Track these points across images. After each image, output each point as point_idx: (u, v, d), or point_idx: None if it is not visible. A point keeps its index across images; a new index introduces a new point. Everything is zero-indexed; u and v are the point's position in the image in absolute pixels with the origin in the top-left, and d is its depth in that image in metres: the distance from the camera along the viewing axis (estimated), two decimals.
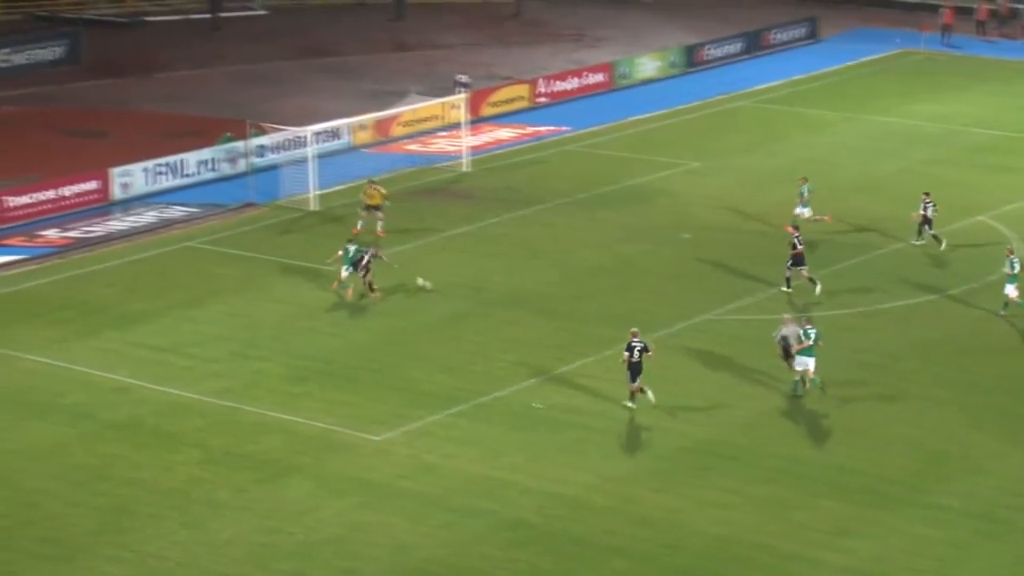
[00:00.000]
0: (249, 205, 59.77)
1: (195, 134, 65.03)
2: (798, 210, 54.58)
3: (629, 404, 41.74)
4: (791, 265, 49.42)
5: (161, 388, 43.55)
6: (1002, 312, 48.11)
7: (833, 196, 59.98)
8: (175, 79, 79.56)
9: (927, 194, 53.51)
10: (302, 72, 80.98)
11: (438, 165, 64.72)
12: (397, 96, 71.70)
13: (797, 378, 42.91)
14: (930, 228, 53.33)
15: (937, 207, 52.89)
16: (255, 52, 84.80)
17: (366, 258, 48.67)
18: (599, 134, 70.05)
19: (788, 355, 43.05)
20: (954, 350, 46.45)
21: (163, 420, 41.80)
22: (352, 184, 61.62)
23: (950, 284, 51.02)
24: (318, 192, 59.68)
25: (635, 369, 41.47)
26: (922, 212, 53.16)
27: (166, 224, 57.99)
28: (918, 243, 53.71)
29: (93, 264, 53.92)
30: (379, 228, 55.12)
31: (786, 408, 42.41)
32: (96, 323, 48.41)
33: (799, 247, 49.12)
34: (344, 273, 49.35)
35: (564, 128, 70.82)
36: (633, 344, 41.43)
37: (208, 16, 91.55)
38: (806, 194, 55.08)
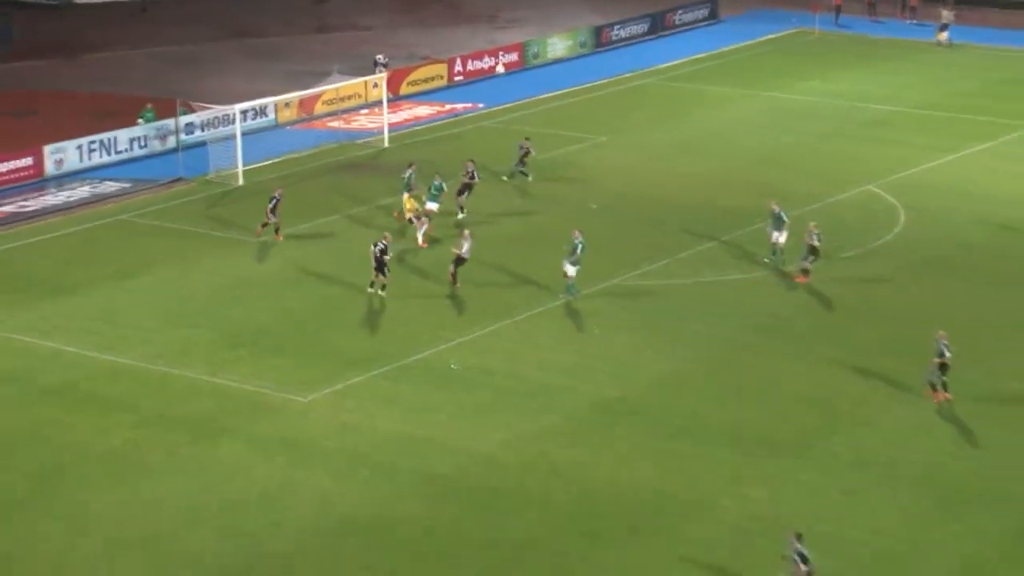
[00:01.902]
0: (179, 180, 59.55)
1: (125, 114, 64.56)
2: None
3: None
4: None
5: (95, 354, 43.42)
6: (766, 259, 49.57)
7: (733, 168, 60.55)
8: (106, 60, 78.94)
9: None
10: (228, 53, 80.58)
11: (359, 141, 64.74)
12: (320, 76, 71.53)
13: (570, 282, 46.73)
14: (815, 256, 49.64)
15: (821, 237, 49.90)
16: (183, 34, 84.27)
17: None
18: (512, 111, 70.17)
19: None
20: (844, 312, 47.00)
21: (97, 384, 41.72)
22: (277, 159, 61.60)
23: (839, 250, 51.46)
24: (244, 167, 59.55)
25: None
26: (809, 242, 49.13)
27: (99, 199, 57.68)
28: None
29: (28, 237, 53.58)
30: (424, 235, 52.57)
31: (687, 368, 42.82)
32: (31, 294, 48.11)
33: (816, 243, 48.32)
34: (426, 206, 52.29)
35: (479, 105, 70.93)
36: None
37: None
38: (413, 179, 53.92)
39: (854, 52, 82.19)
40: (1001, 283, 49.36)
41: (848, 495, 36.12)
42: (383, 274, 47.21)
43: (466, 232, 48.49)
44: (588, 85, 74.81)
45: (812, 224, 49.10)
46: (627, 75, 76.87)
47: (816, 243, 48.45)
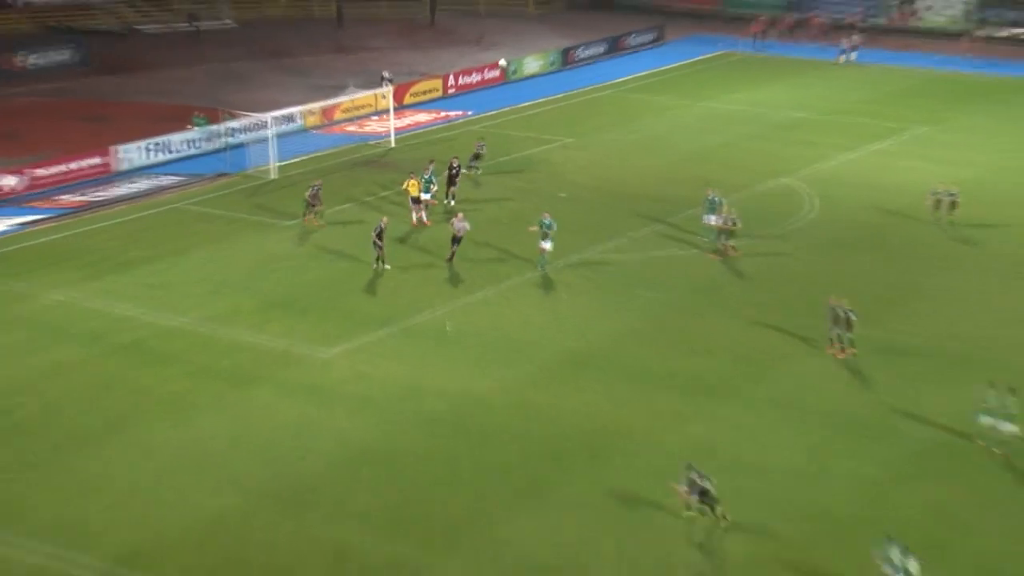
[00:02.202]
0: (223, 174, 59.27)
1: (178, 120, 64.27)
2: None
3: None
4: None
5: (155, 318, 43.29)
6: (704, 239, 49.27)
7: (674, 164, 60.45)
8: (163, 77, 78.59)
9: None
10: (263, 71, 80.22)
11: (370, 142, 64.43)
12: (338, 89, 71.26)
13: (545, 257, 46.61)
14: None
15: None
16: (226, 55, 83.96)
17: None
18: (495, 117, 69.92)
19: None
20: (766, 280, 46.92)
21: (157, 342, 41.58)
22: (304, 157, 61.37)
23: (762, 230, 51.41)
24: (277, 164, 59.27)
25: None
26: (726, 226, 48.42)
27: (158, 190, 57.37)
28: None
29: (100, 222, 53.32)
30: (424, 217, 51.81)
31: (638, 326, 42.73)
32: (103, 268, 47.90)
33: None
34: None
35: (468, 112, 70.63)
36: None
37: (189, 27, 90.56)
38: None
39: (771, 70, 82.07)
40: (891, 257, 49.30)
41: (768, 430, 36.15)
42: (380, 249, 46.71)
43: (460, 215, 48.20)
44: (557, 96, 74.57)
45: (730, 209, 48.88)
46: (588, 88, 76.68)
47: (732, 226, 48.23)
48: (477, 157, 58.63)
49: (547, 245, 46.76)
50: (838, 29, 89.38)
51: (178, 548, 30.71)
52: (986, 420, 34.83)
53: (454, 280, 46.59)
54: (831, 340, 40.39)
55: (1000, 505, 32.71)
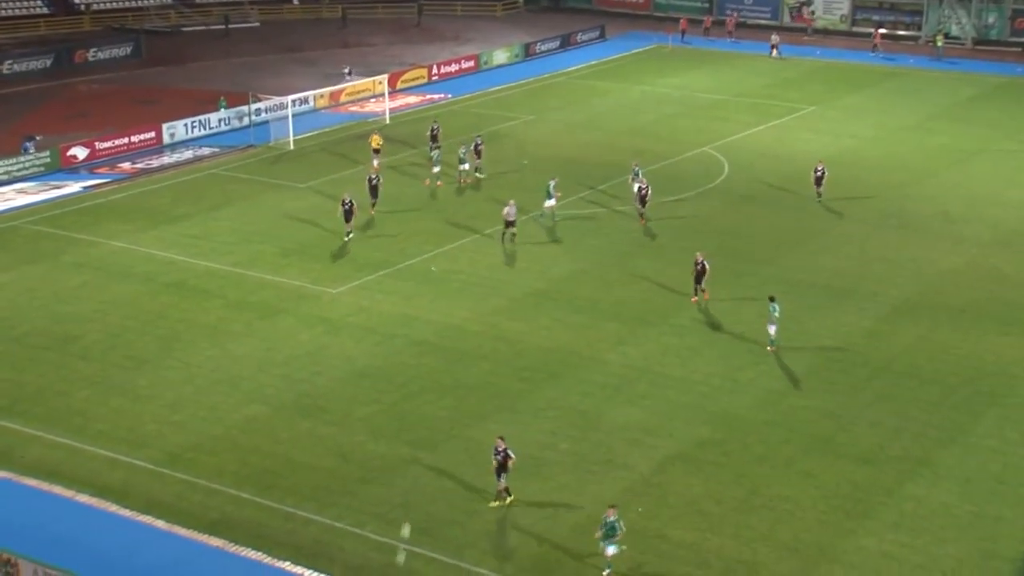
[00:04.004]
0: (250, 146, 58.42)
1: (214, 102, 63.23)
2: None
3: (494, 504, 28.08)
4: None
5: (196, 261, 42.81)
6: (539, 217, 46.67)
7: (615, 137, 59.95)
8: (201, 67, 77.32)
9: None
10: (282, 62, 79.03)
11: (370, 120, 63.54)
12: (343, 76, 70.22)
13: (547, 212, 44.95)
14: None
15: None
16: (252, 49, 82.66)
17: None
18: (470, 99, 69.10)
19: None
20: (690, 231, 46.48)
21: (199, 281, 41.12)
22: (316, 132, 60.57)
23: (685, 190, 51.07)
24: (294, 137, 58.45)
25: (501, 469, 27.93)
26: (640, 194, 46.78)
27: (198, 159, 56.51)
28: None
29: (152, 185, 52.52)
30: (375, 164, 52.26)
31: (587, 268, 42.40)
32: (155, 221, 47.28)
33: None
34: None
35: (448, 95, 69.78)
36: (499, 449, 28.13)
37: (222, 27, 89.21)
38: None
39: (694, 60, 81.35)
40: (784, 209, 49.08)
41: (691, 350, 36.02)
42: (348, 222, 43.69)
43: (512, 202, 43.87)
44: (520, 82, 73.72)
45: (642, 178, 47.76)
46: (546, 75, 75.81)
47: (644, 195, 46.56)
48: (436, 135, 56.05)
49: (551, 203, 45.83)
50: (747, 28, 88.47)
51: (215, 449, 30.49)
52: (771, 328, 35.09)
53: (439, 231, 46.09)
54: (694, 290, 38.74)
55: (874, 406, 32.72)
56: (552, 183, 46.22)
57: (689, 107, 67.29)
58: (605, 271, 42.37)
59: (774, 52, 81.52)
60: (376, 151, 53.60)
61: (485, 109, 66.29)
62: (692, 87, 72.42)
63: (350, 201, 44.09)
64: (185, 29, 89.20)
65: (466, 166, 51.29)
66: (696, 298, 38.99)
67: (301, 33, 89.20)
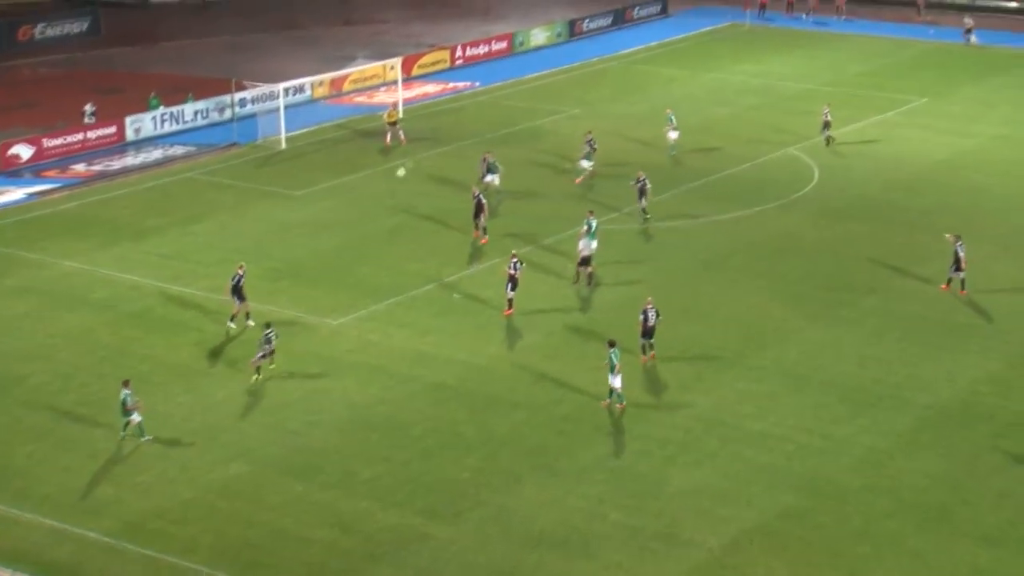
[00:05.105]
0: (234, 144, 58.88)
1: (190, 91, 63.80)
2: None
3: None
4: None
5: (167, 285, 43.05)
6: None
7: (681, 134, 59.86)
8: (175, 47, 78.08)
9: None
10: (273, 42, 79.68)
11: (379, 113, 63.83)
12: (347, 60, 70.73)
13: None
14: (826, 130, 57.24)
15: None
16: (236, 26, 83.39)
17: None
18: (502, 88, 69.37)
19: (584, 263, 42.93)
20: (771, 250, 46.54)
21: (170, 310, 41.39)
22: (312, 128, 61.00)
23: (767, 200, 51.08)
24: (286, 135, 58.86)
25: (514, 283, 40.64)
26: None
27: (169, 160, 57.02)
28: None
29: (113, 191, 52.99)
30: (401, 137, 57.77)
31: (643, 293, 42.20)
32: (116, 236, 47.64)
33: None
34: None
35: (475, 84, 70.11)
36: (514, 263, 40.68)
37: None
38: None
39: (776, 41, 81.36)
40: (889, 224, 48.93)
41: (773, 399, 35.88)
42: (240, 300, 39.63)
43: (585, 228, 43.33)
44: (564, 68, 73.96)
45: (641, 174, 48.87)
46: (595, 59, 76.04)
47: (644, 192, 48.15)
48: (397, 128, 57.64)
49: (592, 244, 43.52)
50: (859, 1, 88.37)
51: (186, 518, 30.53)
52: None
53: (461, 253, 46.18)
54: (642, 348, 37.74)
55: (1001, 472, 32.43)
56: (591, 221, 44.17)
57: (771, 99, 67.24)
58: (665, 299, 42.11)
59: (971, 39, 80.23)
60: (392, 124, 57.73)
61: (520, 101, 66.54)
62: (774, 74, 72.41)
63: (240, 275, 39.96)
64: (154, 0, 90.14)
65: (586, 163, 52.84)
66: (645, 357, 37.74)
67: (294, 5, 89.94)
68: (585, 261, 42.88)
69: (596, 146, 53.65)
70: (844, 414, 35.04)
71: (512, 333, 39.77)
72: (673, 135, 56.06)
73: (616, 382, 34.89)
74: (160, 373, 37.13)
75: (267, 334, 36.86)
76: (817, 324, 40.34)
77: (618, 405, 35.11)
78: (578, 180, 52.70)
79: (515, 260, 40.98)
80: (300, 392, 36.12)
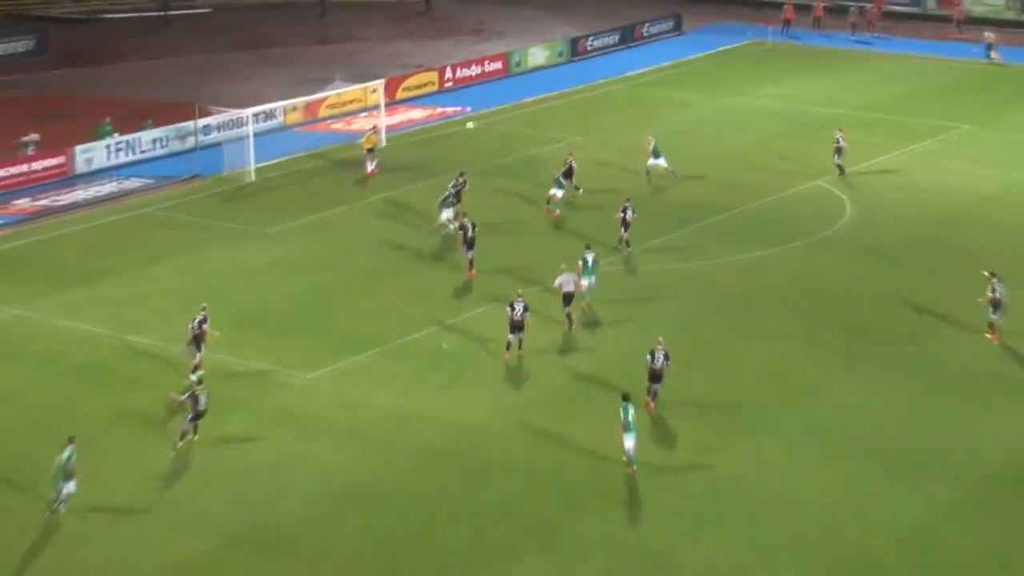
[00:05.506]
0: (195, 176, 58.82)
1: (149, 117, 63.75)
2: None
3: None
4: None
5: (119, 335, 42.79)
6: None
7: (694, 165, 59.90)
8: (131, 68, 78.32)
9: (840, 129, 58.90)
10: (241, 62, 79.92)
11: (359, 141, 63.77)
12: (323, 82, 70.73)
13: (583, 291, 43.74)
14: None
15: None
16: (200, 44, 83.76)
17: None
18: (497, 114, 69.44)
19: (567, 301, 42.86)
20: (799, 295, 46.37)
21: (120, 364, 41.11)
22: (285, 158, 60.94)
23: (793, 239, 50.98)
24: (255, 166, 58.80)
25: (517, 327, 40.72)
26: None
27: (123, 194, 56.96)
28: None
29: (60, 229, 52.89)
30: (371, 167, 58.56)
31: (650, 342, 41.99)
32: (61, 280, 47.45)
33: None
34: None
35: (466, 108, 70.11)
36: (515, 304, 40.70)
37: (159, 13, 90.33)
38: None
39: (802, 61, 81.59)
40: (930, 265, 48.91)
41: (801, 464, 35.57)
42: (198, 350, 39.61)
43: (562, 266, 43.34)
44: (565, 91, 74.09)
45: (627, 201, 49.59)
46: (600, 81, 76.19)
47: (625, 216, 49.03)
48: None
49: (586, 282, 44.15)
50: (894, 17, 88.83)
51: None
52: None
53: (449, 296, 45.99)
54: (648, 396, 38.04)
55: None
56: (588, 257, 44.34)
57: (797, 125, 67.31)
58: (680, 348, 41.74)
59: (993, 55, 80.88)
60: (370, 151, 58.44)
61: (516, 127, 66.58)
62: (800, 98, 72.56)
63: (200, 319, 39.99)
64: (107, 16, 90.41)
65: (559, 193, 53.11)
66: (651, 404, 37.85)
67: (265, 22, 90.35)
68: (568, 299, 42.69)
69: (575, 165, 54.50)
70: (883, 482, 34.65)
71: (509, 387, 39.55)
72: (660, 162, 56.64)
73: (629, 443, 34.54)
74: (110, 436, 36.72)
75: (194, 392, 36.00)
76: (851, 378, 40.05)
77: (628, 469, 34.74)
78: (557, 213, 52.60)
79: (520, 302, 40.87)
80: (267, 457, 35.72)
